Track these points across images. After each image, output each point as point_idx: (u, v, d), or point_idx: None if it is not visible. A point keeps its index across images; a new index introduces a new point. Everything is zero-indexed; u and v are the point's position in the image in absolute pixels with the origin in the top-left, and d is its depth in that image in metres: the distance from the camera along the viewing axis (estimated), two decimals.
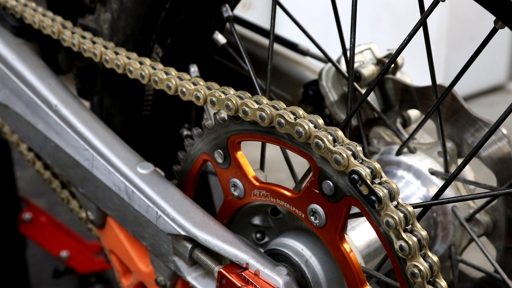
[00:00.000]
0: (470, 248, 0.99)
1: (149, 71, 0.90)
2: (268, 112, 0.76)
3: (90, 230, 1.08)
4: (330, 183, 0.74)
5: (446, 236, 0.96)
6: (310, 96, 1.13)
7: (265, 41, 1.31)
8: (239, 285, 0.78)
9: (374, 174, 0.71)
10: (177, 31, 1.04)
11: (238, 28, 1.32)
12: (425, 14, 0.72)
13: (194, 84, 0.85)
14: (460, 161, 0.96)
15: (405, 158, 0.97)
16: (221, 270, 0.81)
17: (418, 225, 0.70)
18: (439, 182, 0.95)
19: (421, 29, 0.74)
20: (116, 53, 0.95)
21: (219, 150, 0.86)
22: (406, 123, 1.08)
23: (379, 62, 1.03)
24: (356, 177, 0.70)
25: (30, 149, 1.24)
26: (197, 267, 0.88)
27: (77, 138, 0.97)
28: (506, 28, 0.66)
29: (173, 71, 0.89)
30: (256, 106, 0.77)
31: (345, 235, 0.78)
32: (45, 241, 1.88)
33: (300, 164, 0.94)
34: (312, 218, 0.78)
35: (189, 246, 0.86)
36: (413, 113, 1.07)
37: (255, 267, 0.79)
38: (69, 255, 1.88)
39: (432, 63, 0.86)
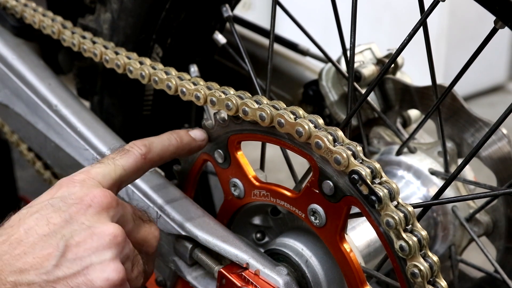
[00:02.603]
0: (470, 248, 0.99)
1: (149, 71, 0.90)
2: (268, 112, 0.76)
3: None
4: (330, 183, 0.74)
5: (446, 236, 0.96)
6: (310, 96, 1.13)
7: (265, 41, 1.31)
8: (239, 285, 0.78)
9: (374, 174, 0.71)
10: (177, 31, 1.04)
11: (238, 28, 1.32)
12: (425, 14, 0.72)
13: (194, 84, 0.85)
14: (460, 161, 0.96)
15: (405, 158, 0.97)
16: (221, 270, 0.81)
17: (418, 225, 0.70)
18: (439, 182, 0.95)
19: (421, 29, 0.74)
20: (116, 53, 0.95)
21: (219, 150, 0.86)
22: (406, 123, 1.08)
23: (379, 62, 1.03)
24: (356, 177, 0.70)
25: (30, 149, 1.24)
26: (197, 267, 0.88)
27: (77, 138, 0.97)
28: (506, 28, 0.66)
29: (173, 71, 0.89)
30: (256, 106, 0.77)
31: (345, 235, 0.78)
32: None
33: (300, 164, 0.94)
34: (312, 218, 0.78)
35: (189, 246, 0.86)
36: (413, 113, 1.07)
37: (255, 267, 0.79)
38: None
39: (432, 63, 0.86)
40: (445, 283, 0.70)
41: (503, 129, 0.92)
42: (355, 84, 0.94)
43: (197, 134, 0.85)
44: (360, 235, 0.85)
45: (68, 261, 0.66)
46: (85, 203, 0.69)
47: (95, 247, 0.67)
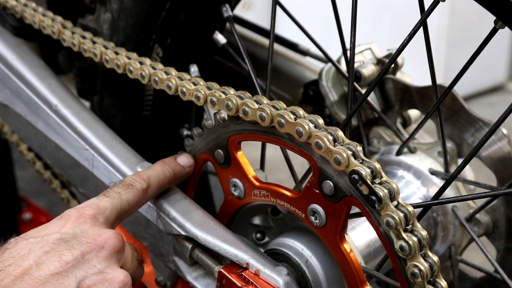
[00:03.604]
0: (470, 248, 0.99)
1: (149, 71, 0.90)
2: (268, 112, 0.76)
3: None
4: (330, 183, 0.74)
5: (446, 236, 0.96)
6: (310, 96, 1.13)
7: (265, 41, 1.31)
8: (239, 285, 0.78)
9: (374, 174, 0.71)
10: (177, 31, 1.04)
11: (238, 28, 1.32)
12: (425, 14, 0.72)
13: (194, 84, 0.85)
14: (460, 161, 0.96)
15: (405, 158, 0.97)
16: (221, 270, 0.81)
17: (418, 225, 0.70)
18: (439, 182, 0.95)
19: (421, 29, 0.74)
20: (116, 53, 0.95)
21: (219, 150, 0.86)
22: (406, 123, 1.08)
23: (379, 62, 1.03)
24: (356, 177, 0.70)
25: (30, 149, 1.24)
26: (197, 267, 0.88)
27: (77, 138, 0.97)
28: (506, 28, 0.66)
29: (173, 71, 0.89)
30: (256, 106, 0.77)
31: (345, 235, 0.78)
32: None
33: (300, 164, 0.94)
34: (312, 218, 0.78)
35: (189, 246, 0.86)
36: (413, 113, 1.07)
37: (255, 267, 0.79)
38: None
39: (432, 63, 0.86)
40: (445, 283, 0.70)
41: (503, 129, 0.92)
42: (355, 84, 0.94)
43: (184, 161, 0.89)
44: (360, 235, 0.85)
45: None
46: (98, 244, 0.71)
47: None
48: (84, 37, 1.00)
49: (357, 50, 1.02)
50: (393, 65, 1.02)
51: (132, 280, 0.77)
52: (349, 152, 0.71)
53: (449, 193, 0.94)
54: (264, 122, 0.76)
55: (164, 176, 0.86)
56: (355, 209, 0.75)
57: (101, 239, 0.71)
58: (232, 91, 0.82)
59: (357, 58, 1.02)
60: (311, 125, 0.73)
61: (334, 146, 0.71)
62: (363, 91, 0.96)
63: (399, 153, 0.97)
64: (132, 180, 0.82)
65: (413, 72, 1.10)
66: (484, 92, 3.79)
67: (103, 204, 0.76)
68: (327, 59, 0.96)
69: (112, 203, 0.77)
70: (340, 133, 0.73)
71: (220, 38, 1.03)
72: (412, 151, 0.97)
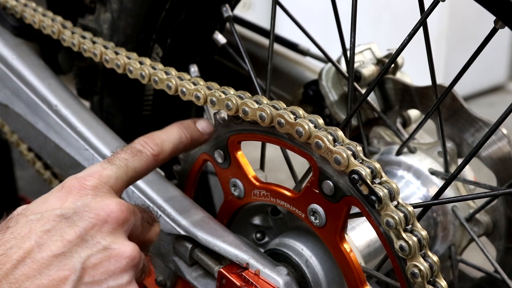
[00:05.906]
0: (470, 248, 0.99)
1: (149, 71, 0.90)
2: (268, 112, 0.76)
3: None
4: (330, 183, 0.74)
5: (446, 236, 0.96)
6: (310, 96, 1.13)
7: (265, 41, 1.31)
8: (239, 285, 0.78)
9: (374, 174, 0.71)
10: (177, 31, 1.04)
11: (238, 28, 1.32)
12: (425, 14, 0.72)
13: (194, 84, 0.85)
14: (460, 161, 0.96)
15: (405, 158, 0.97)
16: (221, 270, 0.81)
17: (418, 225, 0.70)
18: (439, 182, 0.95)
19: (421, 29, 0.74)
20: (116, 53, 0.95)
21: (219, 150, 0.86)
22: (406, 123, 1.08)
23: (379, 62, 1.03)
24: (356, 177, 0.70)
25: (30, 149, 1.24)
26: (197, 267, 0.88)
27: (77, 138, 0.97)
28: (506, 28, 0.66)
29: (173, 71, 0.89)
30: (256, 106, 0.77)
31: (345, 235, 0.78)
32: None
33: (300, 164, 0.94)
34: (312, 218, 0.78)
35: (189, 246, 0.86)
36: (413, 113, 1.07)
37: (255, 267, 0.79)
38: None
39: (432, 63, 0.86)
40: (445, 283, 0.70)
41: (503, 129, 0.92)
42: (355, 84, 0.94)
43: (204, 127, 0.84)
44: (360, 235, 0.85)
45: (85, 285, 0.65)
46: (100, 219, 0.67)
47: (112, 271, 0.66)
48: (84, 37, 1.00)
49: (357, 50, 1.02)
50: (393, 65, 1.02)
51: (146, 242, 0.74)
52: (349, 152, 0.71)
53: (449, 193, 0.94)
54: (264, 122, 0.76)
55: (180, 141, 0.80)
56: (355, 209, 0.75)
57: (103, 213, 0.67)
58: (232, 91, 0.82)
59: (357, 58, 1.02)
60: (311, 125, 0.73)
61: (334, 146, 0.71)
62: (363, 91, 0.96)
63: (399, 153, 0.98)
64: (142, 144, 0.76)
65: (413, 72, 1.10)
66: (484, 92, 3.80)
67: (107, 172, 0.71)
68: (327, 59, 0.96)
69: (117, 172, 0.72)
70: (340, 133, 0.73)
71: (220, 38, 1.03)
72: (412, 151, 0.97)
